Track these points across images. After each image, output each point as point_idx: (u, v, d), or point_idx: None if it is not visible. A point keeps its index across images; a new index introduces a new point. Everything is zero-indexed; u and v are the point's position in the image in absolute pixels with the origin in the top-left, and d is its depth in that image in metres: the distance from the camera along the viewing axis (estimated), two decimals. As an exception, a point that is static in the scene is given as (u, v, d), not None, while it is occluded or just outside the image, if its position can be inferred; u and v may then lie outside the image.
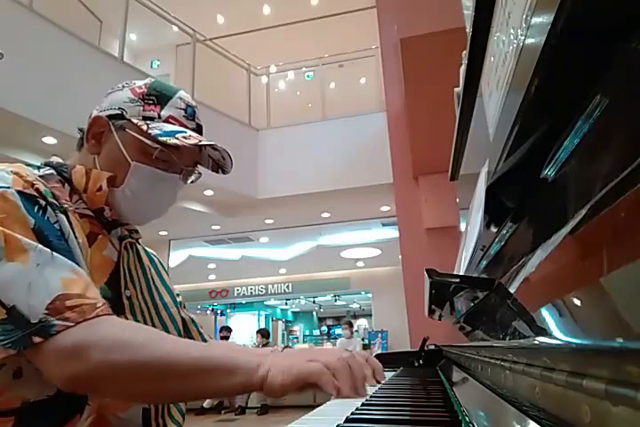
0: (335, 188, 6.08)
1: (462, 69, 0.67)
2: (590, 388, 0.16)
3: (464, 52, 0.66)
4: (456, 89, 0.85)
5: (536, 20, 0.29)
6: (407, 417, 0.45)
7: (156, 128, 0.73)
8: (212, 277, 10.45)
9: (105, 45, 5.74)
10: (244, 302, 11.43)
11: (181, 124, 0.77)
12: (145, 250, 0.88)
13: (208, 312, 11.85)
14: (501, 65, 0.41)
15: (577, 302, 0.21)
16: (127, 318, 0.71)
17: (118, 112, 0.75)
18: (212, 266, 9.87)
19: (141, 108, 0.75)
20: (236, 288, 10.56)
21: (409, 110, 2.89)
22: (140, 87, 0.77)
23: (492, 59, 0.47)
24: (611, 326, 0.16)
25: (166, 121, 0.76)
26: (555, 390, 0.21)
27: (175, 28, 7.00)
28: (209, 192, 6.08)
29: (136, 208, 0.76)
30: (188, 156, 0.77)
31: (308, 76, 7.99)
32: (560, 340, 0.21)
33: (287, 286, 10.44)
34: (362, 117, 6.34)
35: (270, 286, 10.47)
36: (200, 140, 0.74)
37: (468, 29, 0.54)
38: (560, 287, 0.25)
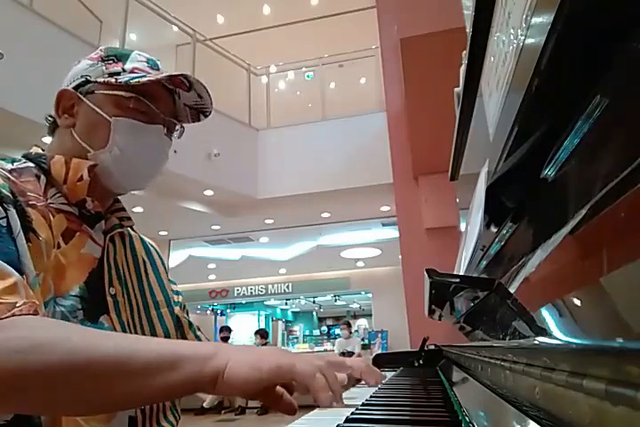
0: (335, 188, 6.08)
1: (462, 69, 0.67)
2: (590, 388, 0.16)
3: (464, 52, 0.66)
4: (456, 89, 0.85)
5: (536, 20, 0.29)
6: (407, 417, 0.45)
7: (125, 77, 0.72)
8: (212, 277, 10.45)
9: (105, 45, 5.74)
10: (243, 302, 11.43)
11: (148, 73, 0.76)
12: (142, 239, 0.83)
13: (208, 312, 11.87)
14: (501, 65, 0.41)
15: (577, 302, 0.21)
16: (111, 318, 0.67)
17: (82, 80, 0.74)
18: (212, 266, 9.87)
19: (104, 67, 0.75)
20: (235, 288, 10.57)
21: (409, 110, 2.89)
22: (95, 53, 0.79)
23: (492, 59, 0.47)
24: (611, 326, 0.16)
25: (132, 72, 0.75)
26: (555, 390, 0.21)
27: (175, 28, 6.99)
28: (209, 192, 6.08)
29: (128, 167, 0.72)
30: (164, 105, 0.76)
31: (308, 76, 7.99)
32: (560, 340, 0.21)
33: (287, 286, 10.44)
34: (362, 117, 6.33)
35: (270, 286, 10.48)
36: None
37: (468, 29, 0.54)
38: (560, 287, 0.25)
